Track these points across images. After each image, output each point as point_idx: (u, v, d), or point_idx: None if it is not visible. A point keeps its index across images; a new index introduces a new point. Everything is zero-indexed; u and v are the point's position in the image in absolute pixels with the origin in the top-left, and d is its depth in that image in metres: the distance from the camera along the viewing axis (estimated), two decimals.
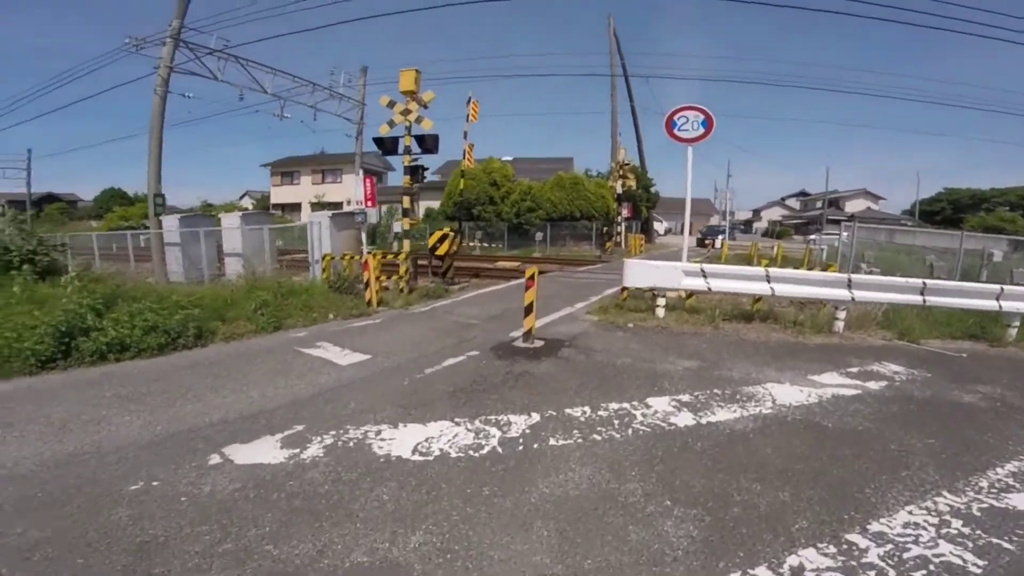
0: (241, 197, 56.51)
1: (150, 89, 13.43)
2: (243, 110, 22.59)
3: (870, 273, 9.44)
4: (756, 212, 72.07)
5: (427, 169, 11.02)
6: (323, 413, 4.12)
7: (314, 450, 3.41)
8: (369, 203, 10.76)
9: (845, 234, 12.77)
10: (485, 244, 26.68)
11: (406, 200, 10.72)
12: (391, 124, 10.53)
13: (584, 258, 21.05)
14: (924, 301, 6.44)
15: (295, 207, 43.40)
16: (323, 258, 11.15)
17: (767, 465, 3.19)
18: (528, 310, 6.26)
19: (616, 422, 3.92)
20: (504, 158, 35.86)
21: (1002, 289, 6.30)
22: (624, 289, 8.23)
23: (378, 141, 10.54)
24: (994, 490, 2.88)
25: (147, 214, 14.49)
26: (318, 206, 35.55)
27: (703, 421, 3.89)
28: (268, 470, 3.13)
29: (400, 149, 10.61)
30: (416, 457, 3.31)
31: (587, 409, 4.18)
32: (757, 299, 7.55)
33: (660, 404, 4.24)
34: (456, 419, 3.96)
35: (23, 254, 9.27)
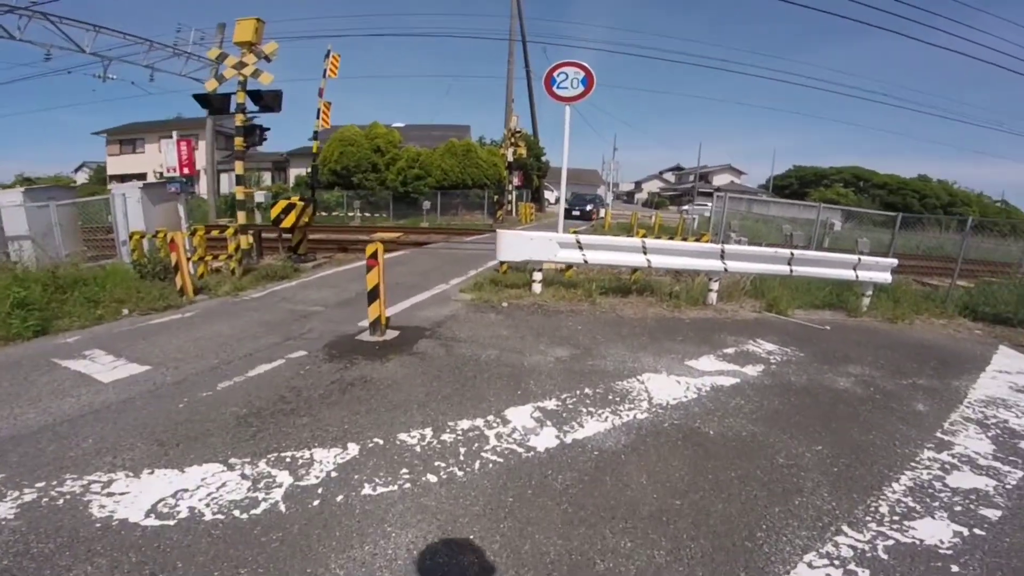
0: (77, 169, 49.76)
1: None
2: (65, 72, 17.66)
3: (739, 242, 9.65)
4: (638, 184, 76.68)
5: (267, 129, 8.99)
6: (42, 455, 2.92)
7: (3, 510, 2.37)
8: (186, 169, 8.53)
9: (716, 204, 13.22)
10: (367, 214, 24.34)
11: (239, 165, 8.63)
12: (220, 79, 8.31)
13: (474, 227, 19.95)
14: (791, 271, 6.41)
15: (140, 177, 36.84)
16: (130, 237, 8.73)
17: (640, 506, 2.42)
18: (372, 296, 5.03)
19: (462, 451, 2.94)
20: (395, 124, 33.11)
21: (859, 259, 6.48)
22: (503, 263, 7.36)
23: (201, 99, 8.26)
24: (896, 517, 2.41)
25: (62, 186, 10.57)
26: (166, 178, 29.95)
27: (568, 439, 3.06)
28: None
29: (232, 107, 8.45)
30: (151, 521, 2.32)
31: (428, 432, 3.15)
32: (635, 271, 7.12)
33: (521, 417, 3.35)
34: (232, 460, 2.84)
35: None
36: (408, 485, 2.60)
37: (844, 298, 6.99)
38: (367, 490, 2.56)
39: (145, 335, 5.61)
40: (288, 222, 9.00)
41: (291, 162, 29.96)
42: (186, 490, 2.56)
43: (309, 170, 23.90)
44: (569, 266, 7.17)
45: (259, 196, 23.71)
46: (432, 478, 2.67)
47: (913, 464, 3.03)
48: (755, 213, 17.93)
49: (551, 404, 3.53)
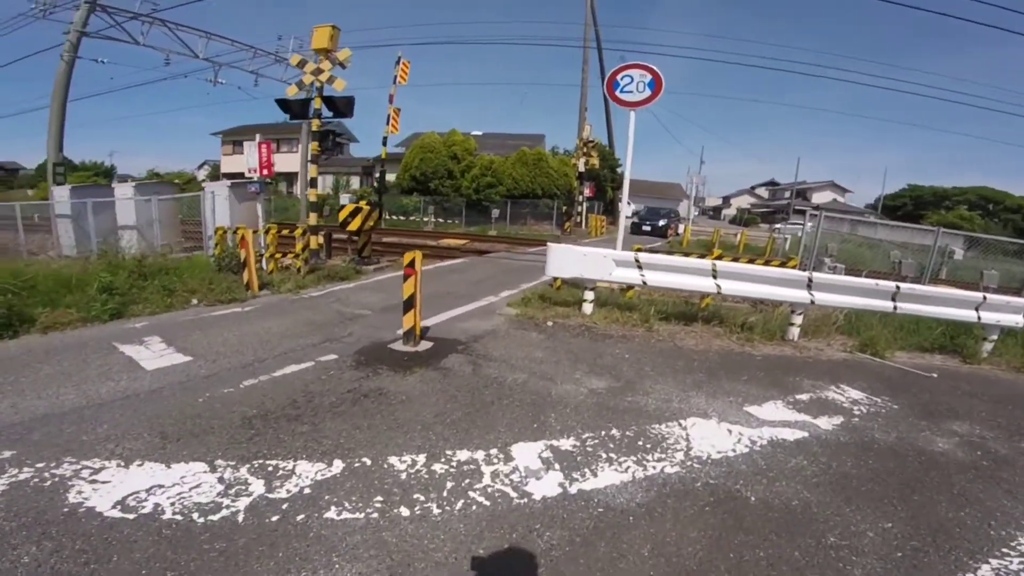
0: (200, 166, 55.20)
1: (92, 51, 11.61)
2: (182, 77, 20.21)
3: (833, 270, 8.43)
4: (726, 199, 72.16)
5: (340, 135, 9.37)
6: (59, 436, 3.04)
7: None
8: (265, 172, 9.09)
9: (809, 224, 11.79)
10: (440, 220, 24.99)
11: (312, 168, 9.06)
12: (300, 85, 8.85)
13: (539, 238, 19.65)
14: (895, 308, 5.36)
15: (239, 176, 41.06)
16: (215, 232, 9.47)
17: None
18: (407, 305, 4.88)
19: (448, 485, 2.63)
20: (474, 133, 33.99)
21: (984, 298, 5.28)
22: (556, 279, 6.97)
23: (282, 103, 8.81)
24: None
25: (89, 182, 12.53)
26: (276, 176, 33.05)
27: (573, 489, 2.63)
28: None
29: (310, 113, 8.93)
30: (114, 513, 2.33)
31: (421, 459, 2.89)
32: (704, 296, 6.39)
33: (527, 455, 2.96)
34: (218, 461, 2.81)
35: None
36: (376, 515, 2.37)
37: (960, 341, 5.73)
38: (331, 513, 2.38)
39: (202, 326, 5.92)
40: (354, 225, 9.28)
41: (375, 167, 31.68)
42: (161, 486, 2.55)
43: (377, 175, 25.12)
44: (630, 286, 6.60)
45: (344, 199, 25.26)
46: (404, 511, 2.40)
47: (1005, 551, 2.30)
48: (859, 236, 15.89)
49: (567, 444, 3.10)
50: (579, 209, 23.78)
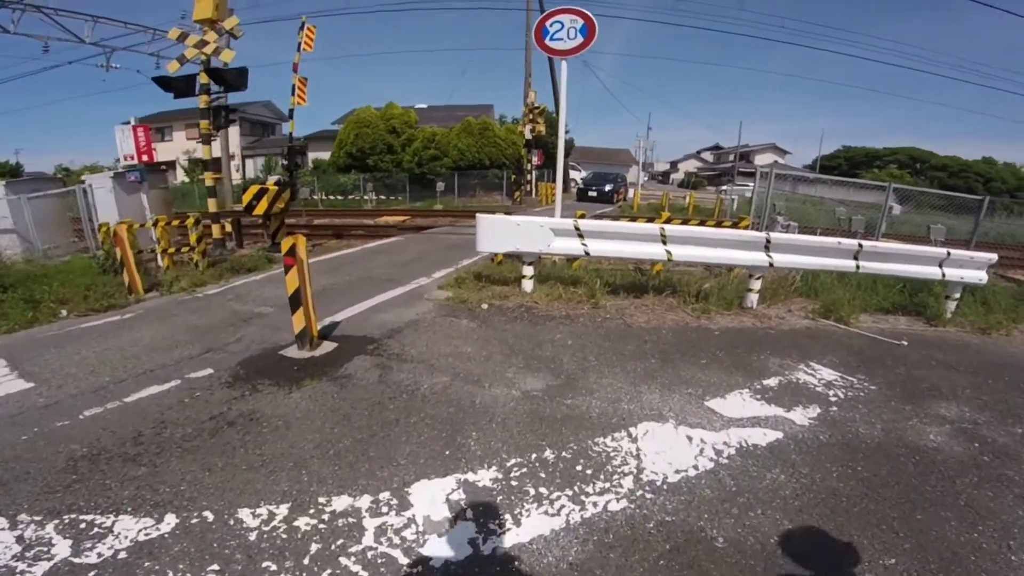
0: (119, 159, 49.71)
1: None
2: (82, 64, 17.27)
3: (787, 228, 8.05)
4: (673, 164, 73.08)
5: (234, 111, 8.03)
6: None
7: None
8: (145, 158, 7.68)
9: (759, 183, 11.46)
10: (382, 197, 23.47)
11: (205, 150, 7.71)
12: (182, 60, 7.39)
13: (489, 209, 18.71)
14: (858, 267, 4.91)
15: (171, 165, 37.20)
16: (99, 229, 8.01)
17: None
18: (294, 303, 3.94)
19: (312, 549, 1.93)
20: (417, 106, 32.09)
21: (948, 253, 4.90)
22: (495, 255, 6.15)
23: (162, 82, 7.38)
24: None
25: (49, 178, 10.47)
26: (199, 163, 30.09)
27: (486, 548, 1.92)
28: None
29: (196, 89, 7.54)
30: None
31: (282, 511, 2.16)
32: (655, 264, 5.77)
33: (430, 498, 2.22)
34: (22, 516, 2.21)
35: None
36: None
37: (921, 300, 5.40)
38: None
39: (62, 342, 4.80)
40: (260, 209, 8.04)
41: (309, 146, 29.38)
42: None
43: (342, 154, 23.17)
44: (574, 259, 5.89)
45: (272, 180, 23.23)
46: None
47: None
48: (801, 194, 15.91)
49: (486, 478, 2.36)
50: (528, 178, 22.87)
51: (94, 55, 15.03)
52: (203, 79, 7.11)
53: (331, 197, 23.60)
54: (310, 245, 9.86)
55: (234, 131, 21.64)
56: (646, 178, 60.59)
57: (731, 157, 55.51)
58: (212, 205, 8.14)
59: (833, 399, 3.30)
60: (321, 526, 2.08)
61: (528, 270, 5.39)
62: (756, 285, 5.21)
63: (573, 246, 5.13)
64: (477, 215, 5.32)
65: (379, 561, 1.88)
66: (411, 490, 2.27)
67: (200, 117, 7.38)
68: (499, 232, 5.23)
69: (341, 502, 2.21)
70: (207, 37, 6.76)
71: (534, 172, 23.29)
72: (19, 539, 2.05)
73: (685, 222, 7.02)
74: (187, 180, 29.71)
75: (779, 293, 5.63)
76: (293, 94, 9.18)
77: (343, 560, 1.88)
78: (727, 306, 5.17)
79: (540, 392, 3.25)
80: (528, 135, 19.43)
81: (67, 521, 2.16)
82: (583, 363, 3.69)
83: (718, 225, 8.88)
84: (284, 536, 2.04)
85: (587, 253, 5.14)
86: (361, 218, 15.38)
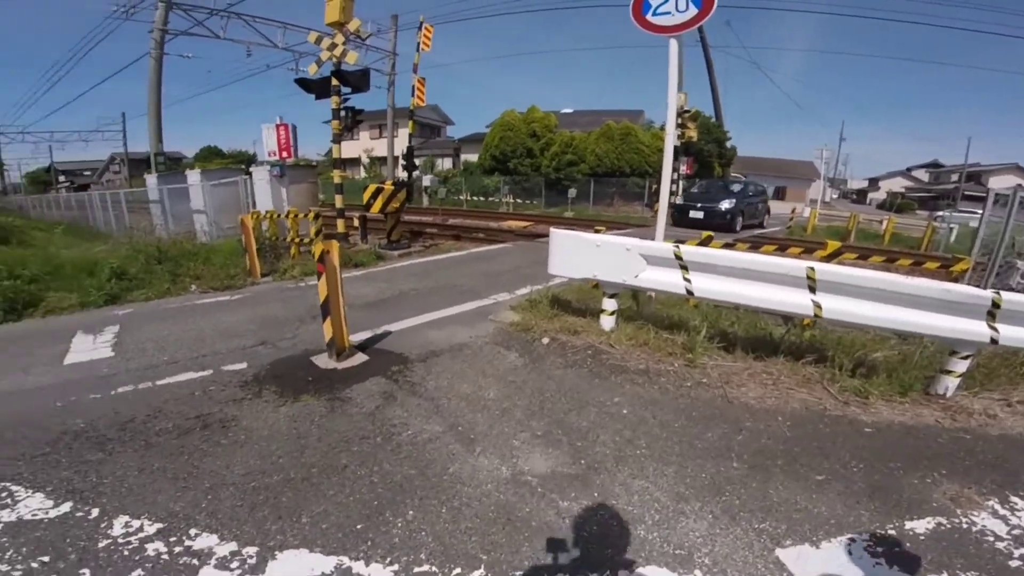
0: (325, 154, 61.09)
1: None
2: (278, 67, 21.22)
3: None
4: (873, 181, 60.81)
5: (360, 112, 8.42)
6: None
7: None
8: (285, 154, 8.49)
9: (989, 210, 8.26)
10: (519, 200, 23.65)
11: (335, 149, 8.23)
12: (319, 63, 8.02)
13: (622, 220, 17.36)
14: None
15: (355, 162, 43.25)
16: (251, 216, 9.21)
17: None
18: (324, 311, 3.61)
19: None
20: (564, 110, 32.05)
21: None
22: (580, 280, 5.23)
23: (303, 83, 8.09)
24: None
25: (243, 167, 13.76)
26: (377, 161, 34.55)
27: None
28: None
29: (332, 91, 8.11)
30: None
31: (148, 530, 2.04)
32: (800, 319, 4.21)
33: (286, 572, 1.66)
34: None
35: None
36: None
37: None
38: None
39: (167, 316, 5.39)
40: (375, 208, 8.32)
41: (463, 148, 31.24)
42: None
43: (488, 157, 24.19)
44: (690, 293, 4.57)
45: (426, 180, 25.14)
46: None
47: None
48: None
49: None
50: (674, 188, 20.81)
51: (287, 60, 17.63)
52: (334, 81, 7.53)
53: (474, 198, 24.62)
54: (421, 245, 10.09)
55: (404, 132, 23.92)
56: (835, 195, 51.46)
57: (954, 177, 44.06)
58: (338, 201, 8.69)
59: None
60: (163, 556, 1.89)
61: (609, 304, 4.35)
62: (960, 366, 3.39)
63: (670, 280, 3.95)
64: (551, 229, 4.48)
65: None
66: (279, 556, 1.88)
67: (333, 118, 7.84)
68: (574, 252, 4.30)
69: (205, 541, 1.98)
70: (336, 40, 7.13)
71: (681, 182, 21.11)
72: None
73: (864, 257, 5.10)
74: (366, 175, 34.00)
75: (997, 374, 3.66)
76: (413, 95, 9.37)
77: None
78: (901, 390, 3.46)
79: (538, 479, 2.35)
80: (676, 141, 17.58)
81: None
82: (625, 448, 2.62)
83: (916, 265, 6.56)
84: (125, 552, 1.91)
85: (690, 292, 3.92)
86: (487, 220, 15.50)
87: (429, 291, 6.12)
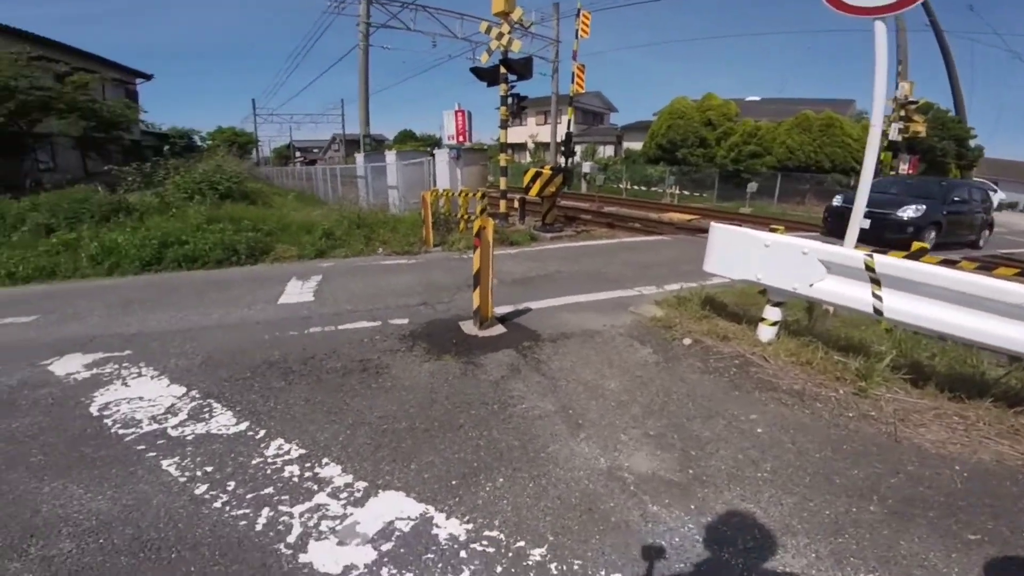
0: (496, 139, 65.36)
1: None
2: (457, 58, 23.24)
3: None
4: None
5: (524, 98, 8.72)
6: (143, 348, 3.87)
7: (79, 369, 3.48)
8: (461, 138, 9.26)
9: None
10: (686, 192, 22.10)
11: (502, 134, 8.73)
12: (489, 52, 8.54)
13: (812, 222, 14.97)
14: None
15: (522, 147, 45.19)
16: (431, 193, 10.40)
17: None
18: (475, 282, 3.96)
19: (264, 491, 1.93)
20: (748, 98, 28.83)
21: None
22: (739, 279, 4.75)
23: (476, 71, 8.69)
24: None
25: (428, 149, 16.31)
26: (541, 146, 35.89)
27: None
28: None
29: (499, 78, 8.60)
30: (94, 411, 2.90)
31: (293, 454, 2.40)
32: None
33: (379, 512, 2.06)
34: (193, 391, 3.11)
35: (209, 184, 10.83)
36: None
37: None
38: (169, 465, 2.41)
39: (357, 272, 6.48)
40: (533, 191, 8.66)
41: (625, 136, 30.23)
42: (141, 398, 3.01)
43: (653, 145, 23.24)
44: (879, 313, 3.80)
45: (586, 167, 25.10)
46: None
47: None
48: None
49: (451, 528, 1.90)
50: None
51: (465, 50, 18.90)
52: (502, 69, 7.97)
53: (635, 187, 23.81)
54: (576, 229, 10.19)
55: (566, 118, 24.19)
56: None
57: None
58: (502, 183, 9.28)
59: None
60: (294, 478, 2.25)
61: (772, 312, 3.87)
62: None
63: (855, 295, 3.34)
64: (711, 223, 4.12)
65: (287, 527, 1.97)
66: (380, 495, 2.15)
67: (500, 104, 8.33)
68: (738, 250, 3.90)
69: (330, 471, 2.30)
70: (502, 29, 7.49)
71: None
72: (177, 399, 3.01)
73: None
74: (531, 160, 35.38)
75: None
76: (572, 82, 9.34)
77: (267, 512, 2.05)
78: None
79: (634, 477, 2.28)
80: (895, 135, 14.35)
81: (205, 403, 2.94)
82: (744, 468, 2.35)
83: None
84: (268, 471, 2.30)
85: (878, 312, 3.27)
86: (647, 211, 14.87)
87: (574, 275, 6.22)
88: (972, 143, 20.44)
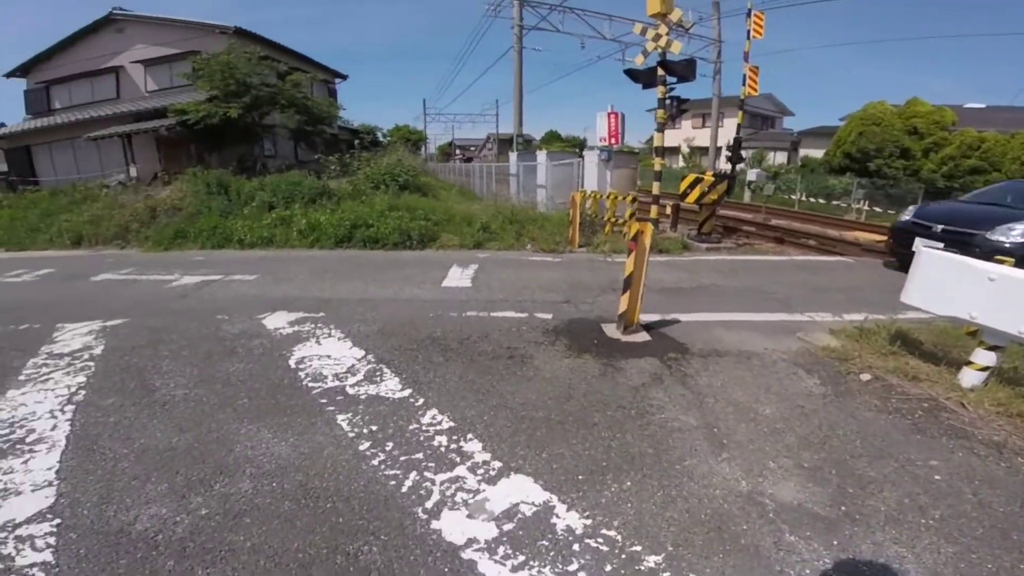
0: (645, 141, 63.00)
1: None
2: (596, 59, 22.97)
3: None
4: None
5: (685, 101, 8.24)
6: (333, 313, 4.62)
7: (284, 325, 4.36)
8: (613, 140, 9.18)
9: None
10: (876, 209, 18.79)
11: (657, 137, 8.44)
12: (645, 53, 8.28)
13: None
14: None
15: (675, 151, 42.92)
16: (580, 194, 10.58)
17: None
18: (625, 285, 3.99)
19: (417, 457, 2.25)
20: (967, 104, 23.50)
21: None
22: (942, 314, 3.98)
23: (631, 73, 8.50)
24: None
25: (576, 151, 17.14)
26: (697, 150, 33.90)
27: None
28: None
29: (657, 80, 8.31)
30: (292, 364, 3.54)
31: (444, 425, 2.67)
32: None
33: (508, 498, 2.15)
34: (369, 356, 3.63)
35: (391, 176, 12.24)
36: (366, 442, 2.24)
37: None
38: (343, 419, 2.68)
39: (508, 264, 6.99)
40: (692, 198, 8.26)
41: (802, 142, 26.64)
42: (329, 356, 3.64)
43: (839, 153, 20.34)
44: None
45: (752, 174, 22.88)
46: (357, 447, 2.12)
47: None
48: None
49: (574, 520, 1.87)
50: None
51: (614, 51, 18.45)
52: (660, 71, 7.69)
53: (811, 199, 20.99)
54: (736, 241, 9.45)
55: (730, 122, 22.23)
56: None
57: None
58: (655, 188, 9.01)
59: None
60: (441, 448, 2.48)
61: (984, 357, 3.16)
62: None
63: None
64: (920, 247, 3.50)
65: (428, 493, 2.03)
66: (512, 477, 2.27)
67: (658, 107, 8.08)
68: (949, 281, 3.27)
69: (472, 446, 2.51)
70: (659, 31, 7.20)
71: None
72: (356, 362, 3.52)
73: None
74: (684, 164, 33.47)
75: None
76: (744, 84, 8.54)
77: (414, 476, 2.27)
78: None
79: (776, 505, 2.10)
80: None
81: (379, 368, 3.40)
82: (907, 512, 2.01)
83: None
84: (421, 438, 2.57)
85: None
86: (824, 227, 13.01)
87: (731, 290, 5.83)
88: None
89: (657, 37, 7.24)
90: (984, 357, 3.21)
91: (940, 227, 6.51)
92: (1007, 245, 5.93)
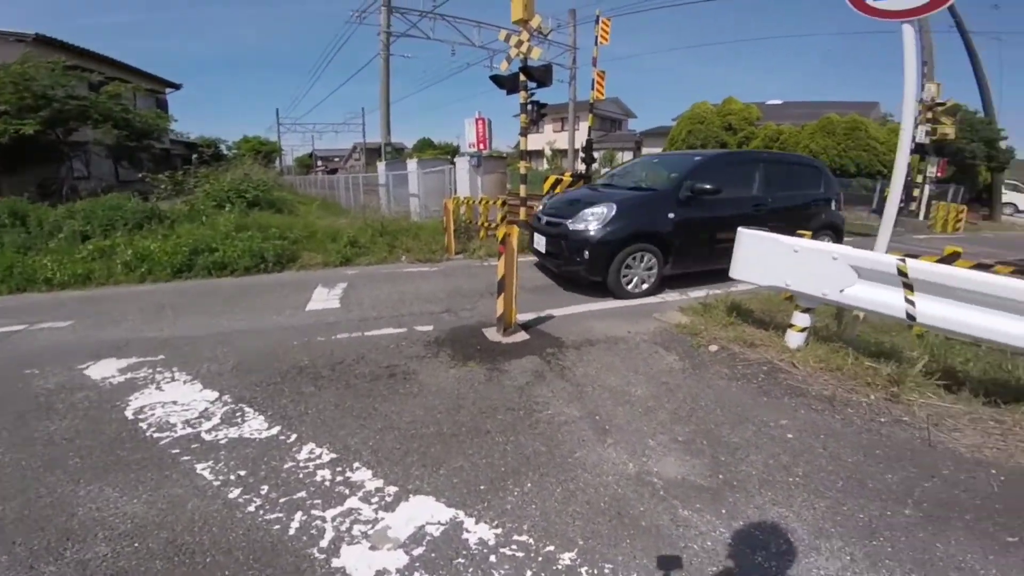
0: (513, 146, 64.88)
1: None
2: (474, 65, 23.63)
3: None
4: None
5: (544, 105, 8.75)
6: (176, 352, 3.97)
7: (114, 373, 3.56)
8: (481, 146, 9.36)
9: None
10: None
11: (522, 141, 8.81)
12: (509, 60, 8.61)
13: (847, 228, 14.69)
14: None
15: (539, 154, 45.21)
16: (452, 200, 10.50)
17: None
18: (499, 288, 4.00)
19: (296, 496, 1.95)
20: (770, 101, 28.49)
21: None
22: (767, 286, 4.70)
23: (496, 79, 8.77)
24: None
25: (448, 158, 16.42)
26: (559, 153, 36.01)
27: None
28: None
29: (519, 86, 8.66)
30: (128, 415, 2.98)
31: (324, 458, 2.44)
32: None
33: (408, 516, 2.02)
34: (226, 396, 3.19)
35: (237, 192, 10.90)
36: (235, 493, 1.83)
37: None
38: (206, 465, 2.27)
39: (381, 279, 6.60)
40: None
41: (644, 142, 30.11)
42: (175, 403, 3.08)
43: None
44: (912, 319, 3.72)
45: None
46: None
47: None
48: None
49: (480, 533, 1.89)
50: (916, 194, 16.74)
51: (483, 58, 19.07)
52: (522, 77, 8.04)
53: None
54: None
55: (584, 125, 24.16)
56: None
57: None
58: (522, 191, 9.33)
59: None
60: (326, 482, 2.28)
61: (801, 319, 3.82)
62: None
63: (886, 300, 3.29)
64: (739, 229, 4.10)
65: (320, 531, 2.01)
66: (411, 499, 2.17)
67: (521, 112, 8.41)
68: (765, 256, 3.88)
69: (361, 475, 2.34)
70: (522, 37, 7.57)
71: (927, 187, 16.89)
72: (209, 405, 3.05)
73: None
74: (548, 167, 35.45)
75: None
76: (592, 88, 9.36)
77: (300, 516, 2.09)
78: None
79: (664, 483, 2.28)
80: (920, 137, 14.01)
81: (236, 407, 3.01)
82: (776, 473, 2.34)
83: None
84: (300, 476, 2.34)
85: (911, 318, 3.22)
86: None
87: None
88: (1003, 144, 19.82)
89: (519, 43, 7.47)
90: (801, 319, 3.84)
91: (545, 219, 6.14)
92: (591, 232, 5.26)
